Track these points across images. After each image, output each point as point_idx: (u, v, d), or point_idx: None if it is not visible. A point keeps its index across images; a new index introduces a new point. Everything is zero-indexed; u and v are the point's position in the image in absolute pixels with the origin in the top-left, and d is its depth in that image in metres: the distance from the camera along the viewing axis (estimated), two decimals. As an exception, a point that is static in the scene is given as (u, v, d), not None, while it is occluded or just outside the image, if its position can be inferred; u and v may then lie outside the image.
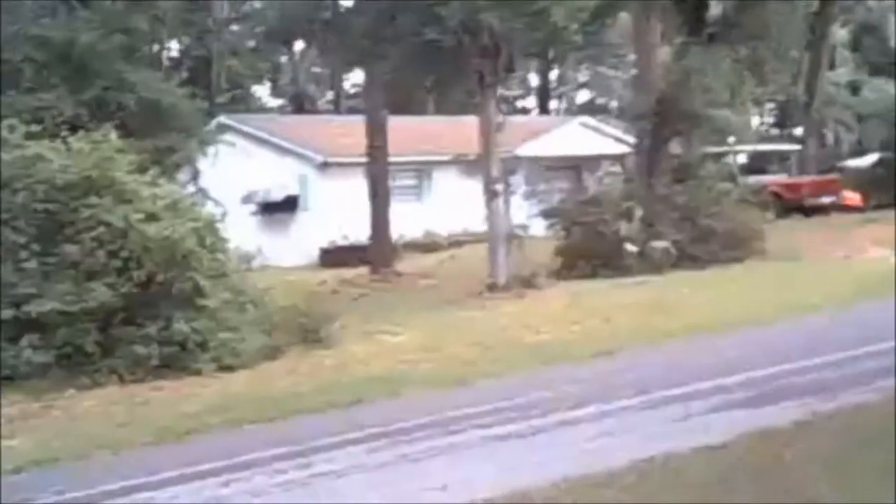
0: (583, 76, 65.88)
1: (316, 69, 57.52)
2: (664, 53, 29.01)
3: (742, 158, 36.27)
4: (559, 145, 39.62)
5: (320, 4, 29.01)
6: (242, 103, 48.27)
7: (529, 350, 15.51)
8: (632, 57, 35.80)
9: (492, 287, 22.94)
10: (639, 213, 25.59)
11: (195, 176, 23.80)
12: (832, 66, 39.67)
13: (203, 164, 24.57)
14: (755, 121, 38.86)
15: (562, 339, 16.23)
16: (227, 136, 27.35)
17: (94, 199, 16.36)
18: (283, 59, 57.97)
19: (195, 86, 23.62)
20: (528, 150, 36.00)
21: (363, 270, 29.81)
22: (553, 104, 65.56)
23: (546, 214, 28.07)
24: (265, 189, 37.45)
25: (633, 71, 34.08)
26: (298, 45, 52.53)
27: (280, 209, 37.49)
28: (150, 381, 15.49)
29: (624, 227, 25.33)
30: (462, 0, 21.80)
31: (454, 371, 14.27)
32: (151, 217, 16.47)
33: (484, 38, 22.56)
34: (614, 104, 52.55)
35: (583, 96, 67.32)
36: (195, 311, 16.45)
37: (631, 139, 30.18)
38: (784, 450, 8.72)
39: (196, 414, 13.09)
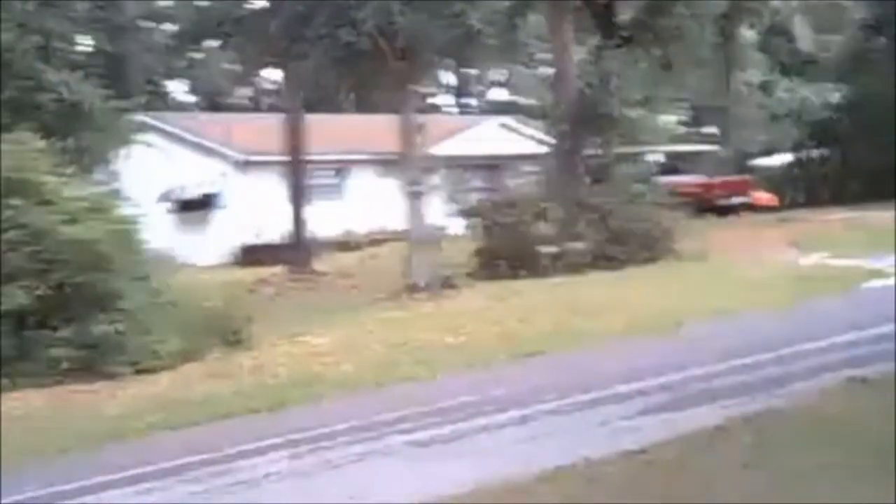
0: (501, 75, 66.22)
1: (230, 66, 57.04)
2: (579, 54, 29.37)
3: (658, 159, 36.81)
4: (476, 145, 39.85)
5: (234, 4, 28.88)
6: (159, 101, 47.69)
7: (451, 352, 15.64)
8: (547, 56, 36.14)
9: (412, 288, 23.03)
10: (556, 214, 25.86)
11: (113, 176, 23.50)
12: (743, 68, 40.36)
13: (122, 163, 24.29)
14: (670, 121, 39.40)
15: (482, 341, 16.38)
16: (146, 135, 27.03)
17: (14, 201, 16.15)
18: (199, 56, 57.36)
19: (111, 85, 23.24)
20: (444, 149, 36.19)
21: (281, 269, 29.70)
22: (471, 103, 65.81)
23: (464, 215, 28.23)
24: (181, 187, 37.14)
25: (551, 71, 34.38)
26: (214, 43, 52.00)
27: (197, 207, 37.20)
28: (68, 385, 15.33)
29: (541, 229, 25.57)
30: (377, 1, 21.84)
31: (376, 374, 14.33)
32: (71, 219, 16.29)
33: (399, 40, 22.61)
34: (533, 104, 52.87)
35: (501, 95, 67.68)
36: (113, 313, 16.32)
37: (549, 139, 30.45)
38: (704, 453, 8.91)
39: (112, 418, 13.00)
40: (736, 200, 37.63)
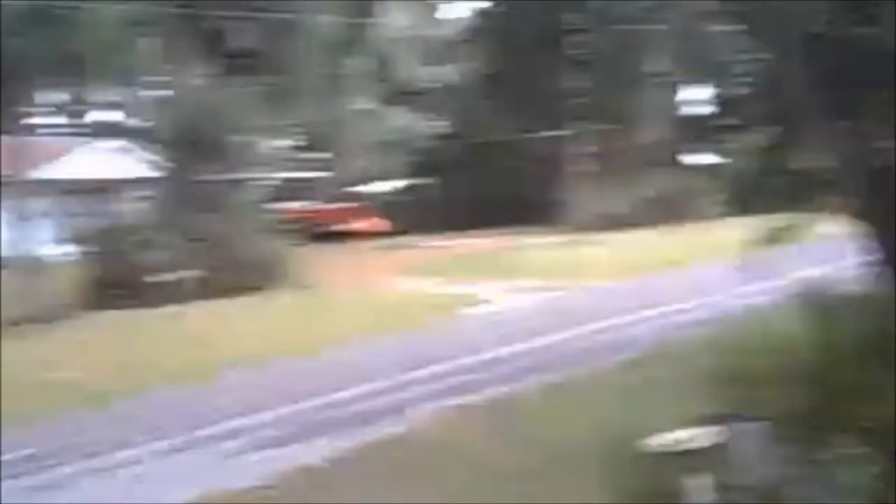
0: (116, 97, 63.76)
1: None
2: (189, 80, 28.97)
3: (273, 184, 36.93)
4: (89, 168, 38.20)
5: None
6: None
7: (57, 390, 14.84)
8: (158, 80, 35.38)
9: (13, 321, 21.66)
10: (166, 241, 25.28)
11: None
12: (353, 96, 41.37)
13: None
14: (282, 147, 39.66)
15: (91, 377, 15.68)
16: None
17: None
18: None
19: None
20: (53, 172, 34.37)
21: None
22: (81, 124, 63.05)
23: (73, 241, 26.96)
24: None
25: (161, 94, 33.69)
26: None
27: None
28: None
29: (151, 256, 24.89)
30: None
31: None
32: None
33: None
34: (145, 126, 51.25)
35: (116, 117, 65.16)
36: None
37: (162, 164, 29.76)
38: (325, 485, 9.06)
39: None
40: (346, 226, 38.40)
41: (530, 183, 39.58)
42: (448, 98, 43.47)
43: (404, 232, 38.06)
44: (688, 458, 7.61)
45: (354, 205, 40.99)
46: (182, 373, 15.32)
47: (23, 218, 22.41)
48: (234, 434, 11.64)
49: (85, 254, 25.63)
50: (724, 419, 8.26)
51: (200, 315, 21.57)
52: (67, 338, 20.02)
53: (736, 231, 10.72)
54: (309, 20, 31.51)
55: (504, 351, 15.72)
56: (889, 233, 6.71)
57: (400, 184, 45.76)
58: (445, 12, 44.87)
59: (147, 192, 31.63)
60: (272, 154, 35.69)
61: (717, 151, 8.46)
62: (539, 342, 16.29)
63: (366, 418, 12.02)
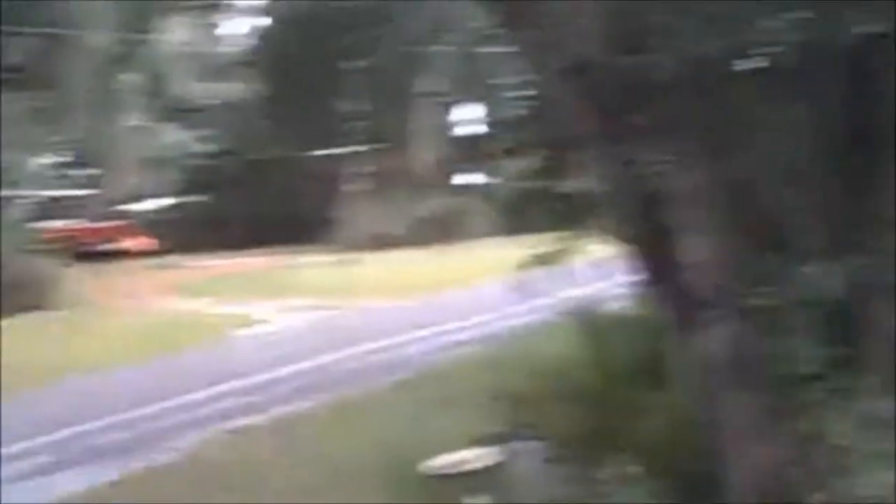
0: None
1: None
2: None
3: (37, 203, 35.42)
4: None
5: None
6: None
7: None
8: None
9: None
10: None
11: None
12: (124, 112, 40.24)
13: None
14: (46, 164, 38.15)
15: None
16: None
17: None
18: None
19: None
20: None
21: None
22: None
23: None
24: None
25: None
26: None
27: None
28: None
29: None
30: None
31: None
32: None
33: None
34: None
35: None
36: None
37: None
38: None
39: None
40: (113, 245, 37.24)
41: (305, 202, 39.41)
42: (224, 115, 42.82)
43: (174, 251, 37.18)
44: (468, 479, 7.71)
45: (122, 223, 39.78)
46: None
47: None
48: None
49: None
50: (502, 439, 8.43)
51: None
52: None
53: (508, 251, 10.94)
54: (82, 35, 30.41)
55: (281, 372, 15.57)
56: (652, 256, 6.97)
57: (171, 202, 44.71)
58: (224, 29, 44.22)
59: None
60: (39, 171, 34.29)
61: (488, 172, 8.65)
62: (315, 362, 16.22)
63: (127, 447, 11.65)
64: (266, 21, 41.08)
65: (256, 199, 40.56)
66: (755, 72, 6.50)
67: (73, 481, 10.24)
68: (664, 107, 6.64)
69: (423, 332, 18.30)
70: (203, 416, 13.00)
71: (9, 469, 10.81)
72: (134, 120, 41.37)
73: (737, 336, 6.56)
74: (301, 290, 25.67)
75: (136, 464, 10.83)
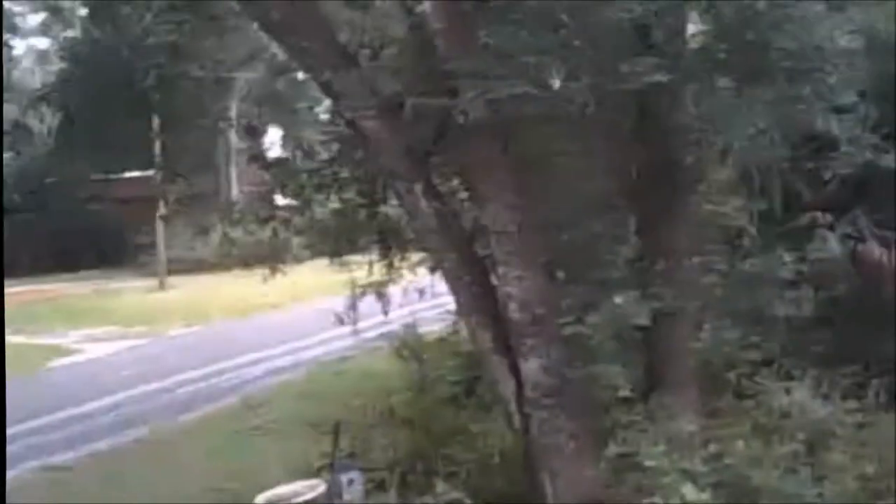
0: None
1: None
2: None
3: None
4: None
5: None
6: None
7: None
8: None
9: None
10: None
11: None
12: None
13: None
14: None
15: None
16: None
17: None
18: None
19: None
20: None
21: None
22: None
23: None
24: None
25: None
26: None
27: None
28: None
29: None
30: None
31: None
32: None
33: None
34: None
35: None
36: None
37: None
38: None
39: None
40: None
41: (110, 226, 38.48)
42: (20, 137, 41.38)
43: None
44: (296, 513, 7.80)
45: None
46: None
47: None
48: None
49: None
50: (326, 469, 8.55)
51: None
52: None
53: (324, 274, 10.92)
54: None
55: (96, 405, 15.19)
56: (470, 286, 7.26)
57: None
58: (21, 49, 42.73)
59: None
60: None
61: (300, 196, 8.78)
62: (129, 394, 15.89)
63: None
64: (63, 54, 39.70)
65: (55, 223, 39.34)
66: (558, 115, 6.86)
67: None
68: (473, 145, 6.95)
69: (240, 360, 18.17)
70: (16, 454, 12.59)
71: None
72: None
73: (553, 363, 6.90)
74: (109, 318, 25.07)
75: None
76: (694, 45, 6.06)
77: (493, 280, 7.15)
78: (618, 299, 6.60)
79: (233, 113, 38.58)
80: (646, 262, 6.94)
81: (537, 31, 6.31)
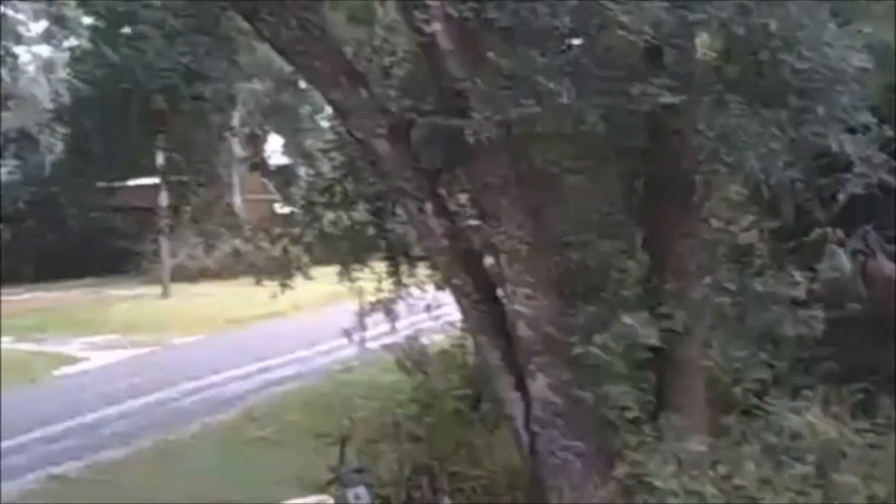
0: None
1: None
2: None
3: None
4: None
5: None
6: None
7: None
8: None
9: None
10: None
11: None
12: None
13: None
14: None
15: None
16: None
17: None
18: None
19: None
20: None
21: None
22: None
23: None
24: None
25: None
26: None
27: None
28: None
29: None
30: None
31: None
32: None
33: None
34: None
35: None
36: None
37: None
38: None
39: None
40: None
41: (114, 234, 38.42)
42: (26, 145, 41.36)
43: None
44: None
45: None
46: None
47: None
48: None
49: None
50: (337, 484, 8.53)
51: None
52: None
53: (327, 283, 10.78)
54: None
55: (100, 414, 15.18)
56: (480, 305, 7.25)
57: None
58: (26, 57, 42.56)
59: None
60: None
61: (309, 213, 8.76)
62: (134, 404, 15.88)
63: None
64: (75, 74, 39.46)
65: (59, 231, 39.31)
66: (568, 134, 6.85)
67: None
68: (483, 165, 6.94)
69: (244, 369, 18.15)
70: (21, 464, 12.59)
71: None
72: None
73: (561, 382, 6.88)
74: (114, 327, 25.04)
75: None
76: (705, 65, 6.04)
77: (502, 298, 7.12)
78: (627, 319, 6.56)
79: (235, 122, 38.65)
80: (655, 281, 6.92)
81: (547, 52, 6.28)
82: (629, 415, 6.82)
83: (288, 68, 9.95)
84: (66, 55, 39.63)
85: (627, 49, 6.11)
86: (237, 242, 33.04)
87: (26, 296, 32.85)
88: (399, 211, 8.31)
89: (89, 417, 14.96)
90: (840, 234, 8.49)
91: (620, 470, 6.63)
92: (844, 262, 8.44)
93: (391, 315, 9.61)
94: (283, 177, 41.57)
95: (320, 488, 8.93)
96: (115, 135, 33.78)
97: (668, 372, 7.18)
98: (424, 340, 12.31)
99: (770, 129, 6.18)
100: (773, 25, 5.92)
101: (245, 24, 7.23)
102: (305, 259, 9.19)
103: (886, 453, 7.08)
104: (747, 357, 8.08)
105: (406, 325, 11.98)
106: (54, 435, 14.02)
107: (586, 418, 6.96)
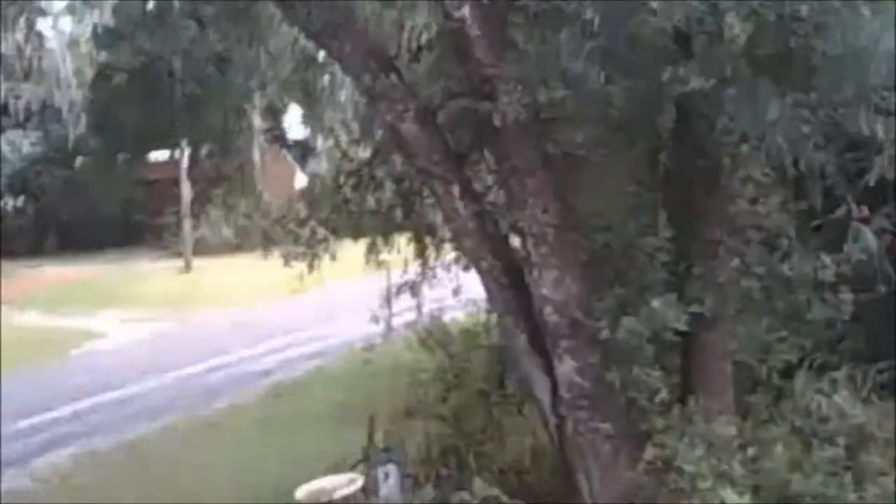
0: None
1: None
2: None
3: None
4: None
5: None
6: None
7: None
8: None
9: None
10: None
11: None
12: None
13: None
14: None
15: None
16: None
17: None
18: None
19: None
20: None
21: None
22: None
23: None
24: None
25: None
26: None
27: None
28: None
29: None
30: None
31: None
32: None
33: None
34: None
35: None
36: None
37: None
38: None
39: None
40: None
41: (138, 207, 38.52)
42: (49, 117, 41.44)
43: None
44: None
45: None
46: None
47: None
48: None
49: None
50: (366, 463, 8.62)
51: None
52: None
53: (349, 255, 10.78)
54: None
55: (127, 390, 15.31)
56: (507, 288, 7.27)
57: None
58: (47, 30, 42.56)
59: None
60: None
61: (337, 195, 8.79)
62: (160, 380, 16.00)
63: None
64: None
65: (83, 204, 39.37)
66: (594, 117, 6.84)
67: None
68: (510, 148, 6.96)
69: (268, 345, 18.22)
70: (52, 439, 12.75)
71: None
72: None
73: (588, 365, 6.91)
74: (137, 301, 25.20)
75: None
76: (734, 50, 6.02)
77: (529, 282, 7.14)
78: (655, 303, 6.57)
79: (252, 83, 38.57)
80: (683, 264, 6.92)
81: (575, 36, 6.28)
82: (657, 398, 6.84)
83: (310, 47, 9.95)
84: (89, 31, 39.59)
85: (656, 34, 6.09)
86: (257, 217, 33.19)
87: (48, 269, 33.11)
88: (426, 193, 8.34)
89: (118, 393, 15.10)
90: (865, 210, 8.46)
91: (649, 453, 6.65)
92: (870, 239, 8.41)
93: (417, 297, 9.65)
94: (302, 149, 41.58)
95: (349, 467, 9.04)
96: (132, 99, 33.72)
97: (695, 355, 7.19)
98: (446, 318, 12.40)
99: (800, 112, 6.17)
100: (804, 10, 5.89)
101: (277, 11, 7.24)
102: (332, 241, 9.25)
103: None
104: (774, 339, 8.09)
105: (427, 301, 12.06)
106: (84, 410, 14.15)
107: (614, 401, 6.99)
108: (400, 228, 9.30)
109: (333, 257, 9.22)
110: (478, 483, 7.44)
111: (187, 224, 34.00)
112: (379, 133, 8.30)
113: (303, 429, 12.22)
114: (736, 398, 7.37)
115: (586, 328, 6.88)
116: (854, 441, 6.69)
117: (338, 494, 7.90)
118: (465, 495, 7.38)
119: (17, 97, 40.29)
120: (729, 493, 6.21)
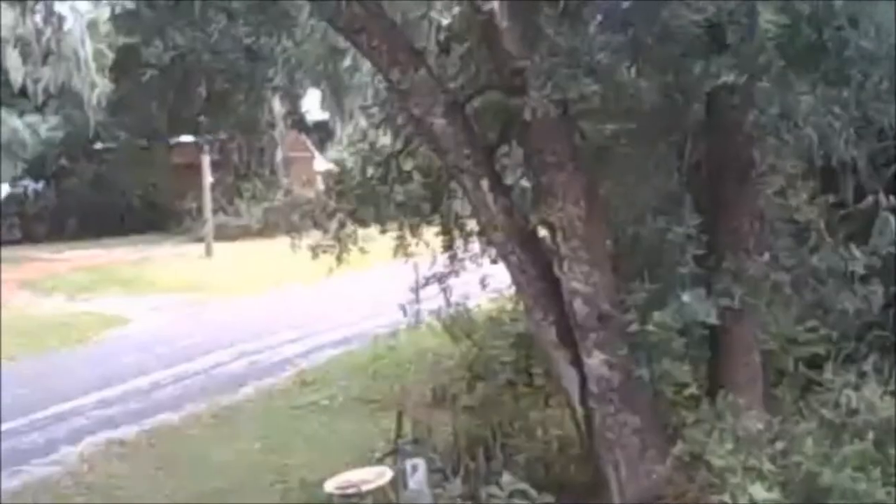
0: None
1: None
2: None
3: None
4: None
5: None
6: None
7: None
8: None
9: None
10: None
11: None
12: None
13: None
14: None
15: None
16: None
17: None
18: None
19: None
20: None
21: None
22: None
23: None
24: None
25: None
26: None
27: None
28: None
29: None
30: None
31: None
32: None
33: None
34: None
35: None
36: None
37: None
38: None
39: None
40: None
41: (160, 191, 38.71)
42: (68, 102, 41.51)
43: (12, 242, 35.84)
44: (362, 500, 7.89)
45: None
46: None
47: None
48: None
49: None
50: (394, 455, 8.65)
51: None
52: None
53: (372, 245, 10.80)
54: None
55: (154, 377, 15.31)
56: (535, 281, 7.28)
57: (10, 190, 43.00)
58: (66, 13, 42.57)
59: None
60: None
61: (364, 187, 8.74)
62: (185, 367, 16.01)
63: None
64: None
65: (106, 189, 39.57)
66: (624, 111, 6.84)
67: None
68: (540, 142, 6.95)
69: (294, 332, 18.22)
70: (80, 427, 12.79)
71: None
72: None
73: (618, 359, 6.91)
74: (159, 286, 25.26)
75: (11, 483, 10.63)
76: (767, 43, 5.99)
77: (558, 275, 7.15)
78: (685, 297, 6.56)
79: (278, 78, 38.66)
80: (712, 258, 6.91)
81: (606, 29, 6.27)
82: (686, 392, 6.84)
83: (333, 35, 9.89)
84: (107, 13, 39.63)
85: (689, 27, 6.07)
86: (279, 204, 33.28)
87: (68, 254, 33.19)
88: (454, 186, 8.34)
89: (143, 380, 15.11)
90: (893, 200, 8.42)
91: (679, 447, 6.66)
92: (896, 227, 8.36)
93: (446, 290, 9.65)
94: (322, 132, 41.64)
95: (377, 459, 9.08)
96: (153, 83, 33.77)
97: (724, 349, 7.19)
98: (470, 305, 12.37)
99: (832, 106, 6.17)
100: (837, 3, 5.88)
101: (306, 4, 7.24)
102: (360, 235, 9.25)
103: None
104: (803, 332, 8.07)
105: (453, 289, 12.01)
106: (111, 398, 14.19)
107: (643, 395, 7.00)
108: (428, 221, 9.27)
109: (363, 250, 9.20)
110: (506, 477, 7.46)
111: (208, 209, 34.09)
112: (401, 118, 8.28)
113: (327, 418, 12.24)
114: (764, 391, 7.37)
115: (615, 321, 6.89)
116: (883, 435, 6.66)
117: (366, 487, 7.92)
118: (494, 489, 7.40)
119: (36, 80, 40.42)
120: (758, 488, 6.21)
